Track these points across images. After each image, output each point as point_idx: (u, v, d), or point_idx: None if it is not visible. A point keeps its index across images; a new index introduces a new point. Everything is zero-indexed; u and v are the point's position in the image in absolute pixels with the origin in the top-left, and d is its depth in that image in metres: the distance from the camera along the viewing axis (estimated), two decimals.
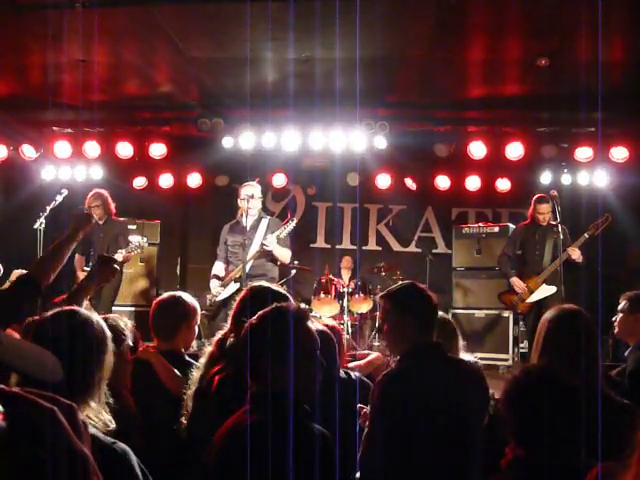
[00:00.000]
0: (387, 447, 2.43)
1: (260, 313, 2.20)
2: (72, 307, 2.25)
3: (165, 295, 3.57)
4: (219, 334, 3.03)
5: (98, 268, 3.15)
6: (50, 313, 2.12)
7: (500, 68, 7.10)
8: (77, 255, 7.21)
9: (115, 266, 3.17)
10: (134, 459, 1.93)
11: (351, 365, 4.33)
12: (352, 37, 6.05)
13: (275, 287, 3.00)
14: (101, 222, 7.19)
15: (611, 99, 6.55)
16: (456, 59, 6.88)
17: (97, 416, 2.01)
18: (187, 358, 3.39)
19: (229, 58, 7.05)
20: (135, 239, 6.91)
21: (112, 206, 7.32)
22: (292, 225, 6.24)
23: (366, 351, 6.82)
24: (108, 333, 2.17)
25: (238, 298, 2.99)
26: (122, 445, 1.93)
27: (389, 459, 2.43)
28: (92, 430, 1.84)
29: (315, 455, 1.94)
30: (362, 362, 4.69)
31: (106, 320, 2.40)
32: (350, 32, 5.98)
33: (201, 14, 6.00)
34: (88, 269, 6.96)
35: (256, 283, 3.14)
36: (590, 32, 6.03)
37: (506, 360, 7.63)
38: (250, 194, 6.40)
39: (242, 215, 6.44)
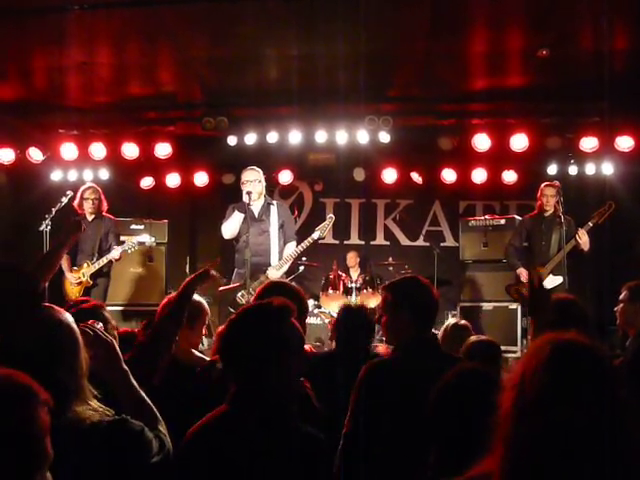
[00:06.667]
0: (367, 436, 2.45)
1: (240, 310, 2.21)
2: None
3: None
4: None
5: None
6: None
7: (502, 60, 7.06)
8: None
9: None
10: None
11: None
12: (353, 32, 6.06)
13: (292, 283, 2.98)
14: (90, 218, 7.17)
15: (616, 88, 6.51)
16: (457, 52, 6.85)
17: (95, 410, 2.00)
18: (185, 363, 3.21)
19: (231, 56, 7.07)
20: (139, 238, 6.94)
21: (105, 203, 7.30)
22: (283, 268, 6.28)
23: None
24: (75, 328, 2.05)
25: (255, 293, 2.99)
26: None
27: (370, 447, 2.45)
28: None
29: (299, 458, 1.95)
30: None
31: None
32: (351, 28, 5.99)
33: (201, 13, 6.01)
34: (76, 268, 7.02)
35: (275, 279, 3.15)
36: (593, 20, 6.01)
37: (515, 352, 7.60)
38: (251, 179, 6.32)
39: (248, 199, 6.31)
